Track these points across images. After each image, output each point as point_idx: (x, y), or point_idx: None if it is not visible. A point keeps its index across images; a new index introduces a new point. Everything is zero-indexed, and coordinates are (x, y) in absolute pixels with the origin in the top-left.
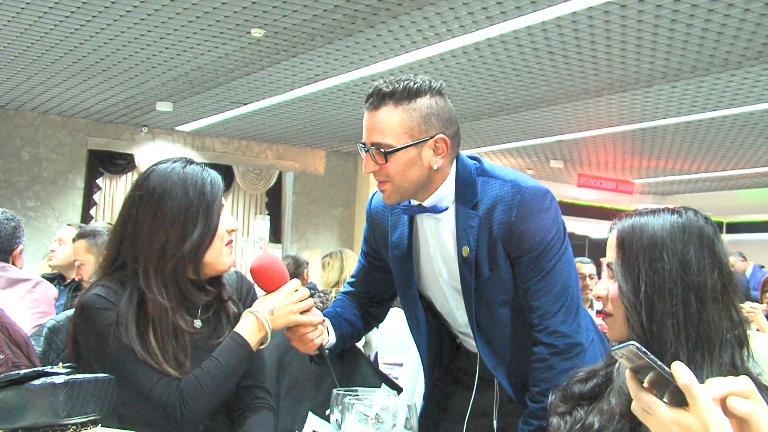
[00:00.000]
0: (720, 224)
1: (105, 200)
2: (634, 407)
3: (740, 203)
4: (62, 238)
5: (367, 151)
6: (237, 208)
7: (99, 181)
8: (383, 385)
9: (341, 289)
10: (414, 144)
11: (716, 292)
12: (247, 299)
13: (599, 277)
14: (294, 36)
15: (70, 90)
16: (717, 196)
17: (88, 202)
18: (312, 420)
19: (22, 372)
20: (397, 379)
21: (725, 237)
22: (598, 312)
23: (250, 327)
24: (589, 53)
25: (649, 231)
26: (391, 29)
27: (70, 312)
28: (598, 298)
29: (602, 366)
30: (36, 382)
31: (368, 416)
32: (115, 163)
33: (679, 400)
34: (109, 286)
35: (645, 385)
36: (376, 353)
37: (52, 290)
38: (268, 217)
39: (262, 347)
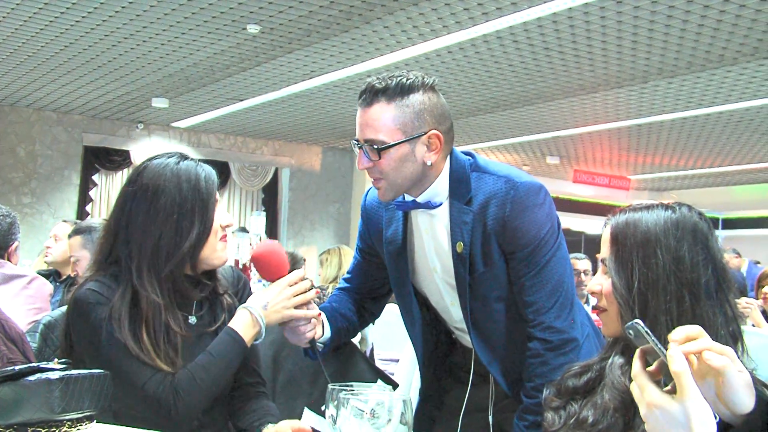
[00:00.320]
0: (716, 220)
1: (101, 196)
2: (632, 385)
3: (736, 199)
4: (58, 235)
5: (360, 148)
6: (233, 205)
7: (95, 178)
8: (379, 381)
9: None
10: (407, 140)
11: (710, 288)
12: (243, 294)
13: (595, 273)
14: (290, 32)
15: (65, 86)
16: (713, 192)
17: (84, 199)
18: (308, 416)
19: (17, 368)
20: (393, 374)
21: (721, 233)
22: (594, 308)
23: (244, 322)
24: (585, 49)
25: (643, 227)
26: (386, 25)
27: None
28: (593, 293)
29: (596, 360)
30: (31, 378)
31: (363, 411)
32: (111, 159)
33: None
34: (103, 281)
35: (653, 367)
36: (372, 349)
37: (48, 286)
38: (264, 213)
39: (257, 342)
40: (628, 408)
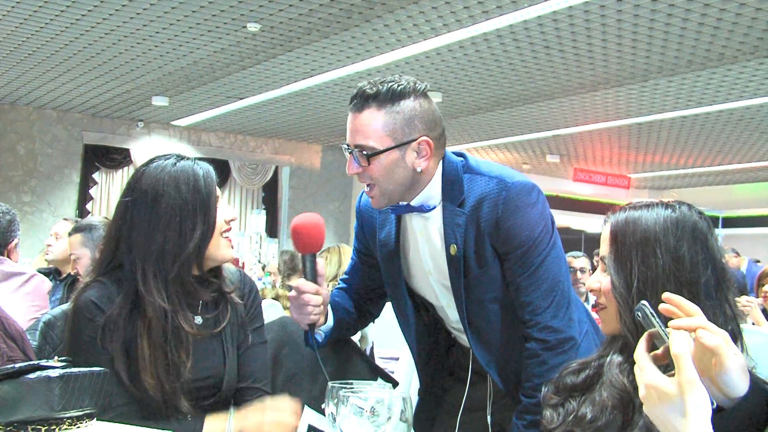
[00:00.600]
0: (716, 219)
1: (101, 195)
2: (635, 367)
3: (736, 198)
4: (58, 233)
5: (350, 153)
6: (233, 203)
7: (95, 176)
8: (379, 379)
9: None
10: (397, 146)
11: (709, 288)
12: (249, 298)
13: (593, 272)
14: (290, 30)
15: (65, 85)
16: (713, 190)
17: (84, 197)
18: (308, 414)
19: (17, 366)
20: (393, 373)
21: (721, 231)
22: (593, 306)
23: (216, 428)
24: (585, 48)
25: (642, 226)
26: (387, 23)
27: (66, 306)
28: (591, 290)
29: (595, 358)
30: (31, 375)
31: (363, 409)
32: (111, 157)
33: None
34: (106, 286)
35: (660, 351)
36: (372, 347)
37: (46, 284)
38: (264, 211)
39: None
40: (626, 406)
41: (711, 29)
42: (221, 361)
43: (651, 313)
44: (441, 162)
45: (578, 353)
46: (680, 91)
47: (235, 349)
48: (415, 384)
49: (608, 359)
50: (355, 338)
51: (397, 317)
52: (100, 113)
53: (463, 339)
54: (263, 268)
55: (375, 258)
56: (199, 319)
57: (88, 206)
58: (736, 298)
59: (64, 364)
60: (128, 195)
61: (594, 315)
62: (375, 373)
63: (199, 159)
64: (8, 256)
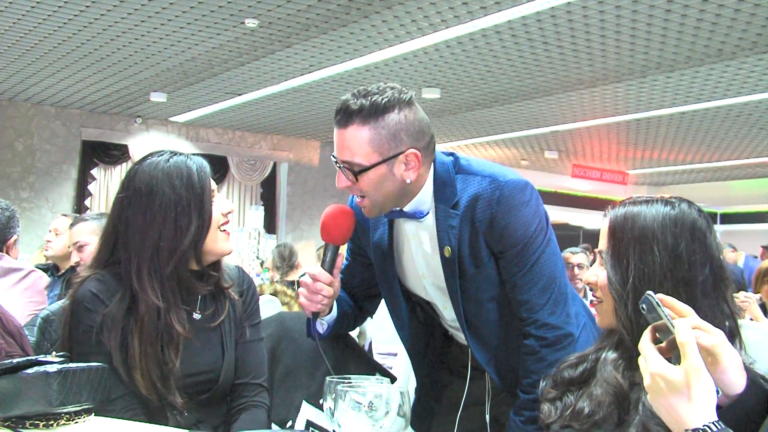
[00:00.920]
0: (714, 215)
1: (100, 191)
2: (639, 358)
3: (734, 194)
4: (58, 229)
5: (339, 167)
6: (231, 199)
7: (93, 172)
8: (377, 374)
9: None
10: (384, 161)
11: (707, 286)
12: (247, 295)
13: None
14: (288, 26)
15: (63, 80)
16: (711, 186)
17: (82, 193)
18: (306, 409)
19: (15, 361)
20: (391, 368)
21: (719, 228)
22: (592, 302)
23: None
24: (583, 43)
25: (641, 222)
26: (385, 19)
27: (64, 302)
28: (589, 283)
29: (592, 350)
30: (29, 371)
31: (361, 404)
32: (110, 153)
33: (679, 359)
34: (105, 280)
35: (664, 344)
36: (371, 343)
37: (44, 280)
38: (262, 207)
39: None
40: (621, 402)
41: (709, 25)
42: (219, 355)
43: (657, 302)
44: (432, 165)
45: (576, 348)
46: (678, 87)
47: (234, 344)
48: (413, 379)
49: (603, 356)
50: (354, 334)
51: (391, 316)
52: (98, 109)
53: (460, 336)
54: (261, 264)
55: (368, 258)
56: (197, 315)
57: (87, 202)
58: (734, 294)
59: (62, 359)
60: (123, 192)
61: (593, 311)
62: (373, 368)
63: (197, 155)
64: (7, 253)
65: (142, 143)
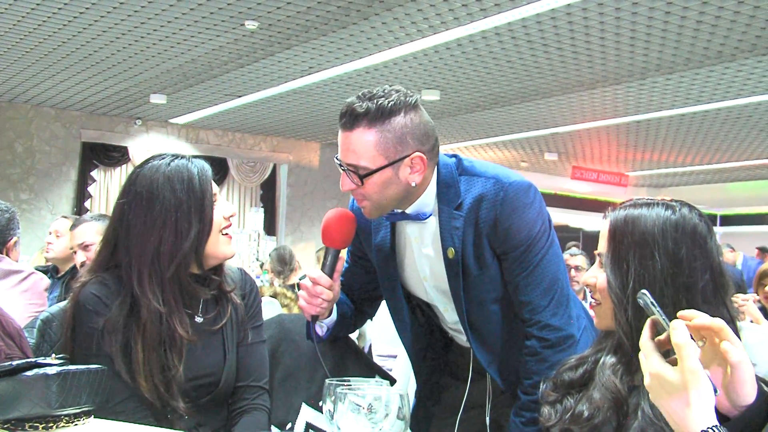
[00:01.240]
0: (713, 217)
1: (100, 192)
2: (640, 355)
3: (733, 196)
4: (59, 230)
5: (343, 170)
6: (231, 201)
7: (93, 174)
8: (376, 377)
9: None
10: (390, 165)
11: (707, 292)
12: (250, 297)
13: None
14: (288, 28)
15: (63, 82)
16: (711, 188)
17: (82, 195)
18: (305, 411)
19: (14, 363)
20: (391, 371)
21: (719, 230)
22: (591, 304)
23: None
24: (582, 45)
25: (641, 227)
26: (385, 21)
27: (64, 304)
28: (587, 285)
29: (591, 352)
30: (29, 373)
31: (360, 406)
32: (109, 155)
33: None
34: (107, 282)
35: (662, 337)
36: (371, 345)
37: (44, 281)
38: (262, 209)
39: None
40: (619, 408)
41: (709, 27)
42: (221, 359)
43: (651, 302)
44: (435, 168)
45: (577, 350)
46: (678, 88)
47: (235, 347)
48: (413, 382)
49: (601, 361)
50: (354, 336)
51: (393, 318)
52: (98, 111)
53: (461, 339)
54: (261, 266)
55: (369, 260)
56: (199, 318)
57: (86, 204)
58: (734, 296)
59: (61, 361)
60: (124, 197)
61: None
62: (372, 370)
63: (198, 157)
64: (7, 254)
65: (141, 145)
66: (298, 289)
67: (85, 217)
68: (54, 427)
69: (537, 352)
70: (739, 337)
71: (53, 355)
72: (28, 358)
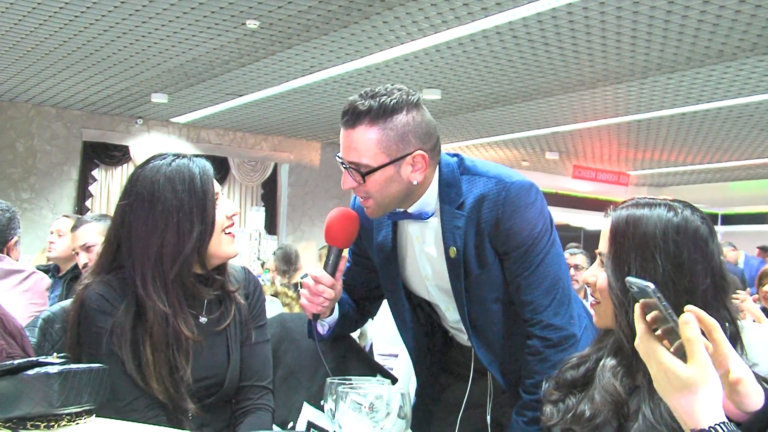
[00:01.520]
0: (714, 216)
1: (101, 192)
2: (638, 344)
3: (735, 195)
4: (60, 230)
5: (345, 168)
6: (232, 200)
7: (94, 173)
8: (378, 375)
9: None
10: (391, 162)
11: (708, 295)
12: (253, 297)
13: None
14: (289, 27)
15: (64, 81)
16: (711, 188)
17: (83, 194)
18: (307, 410)
19: (16, 362)
20: (392, 370)
21: (720, 229)
22: (591, 303)
23: None
24: (584, 44)
25: (642, 228)
26: (386, 20)
27: (65, 303)
28: (587, 283)
29: (593, 351)
30: (30, 372)
31: (362, 405)
32: (111, 154)
33: (683, 353)
34: (112, 284)
35: (658, 332)
36: (372, 344)
37: (45, 281)
38: (263, 208)
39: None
40: (619, 410)
41: (710, 26)
42: (225, 360)
43: (658, 297)
44: (437, 167)
45: (578, 349)
46: (679, 88)
47: (239, 347)
48: (414, 381)
49: (601, 363)
50: (355, 335)
51: (394, 317)
52: (99, 110)
53: (462, 338)
54: (262, 265)
55: (371, 260)
56: (203, 319)
57: (88, 203)
58: (732, 295)
59: (63, 360)
60: (125, 199)
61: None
62: (374, 369)
63: (198, 156)
64: (8, 254)
65: (143, 144)
66: (300, 288)
67: (85, 217)
68: (55, 426)
69: (539, 352)
70: (740, 337)
71: (54, 354)
72: (30, 357)
